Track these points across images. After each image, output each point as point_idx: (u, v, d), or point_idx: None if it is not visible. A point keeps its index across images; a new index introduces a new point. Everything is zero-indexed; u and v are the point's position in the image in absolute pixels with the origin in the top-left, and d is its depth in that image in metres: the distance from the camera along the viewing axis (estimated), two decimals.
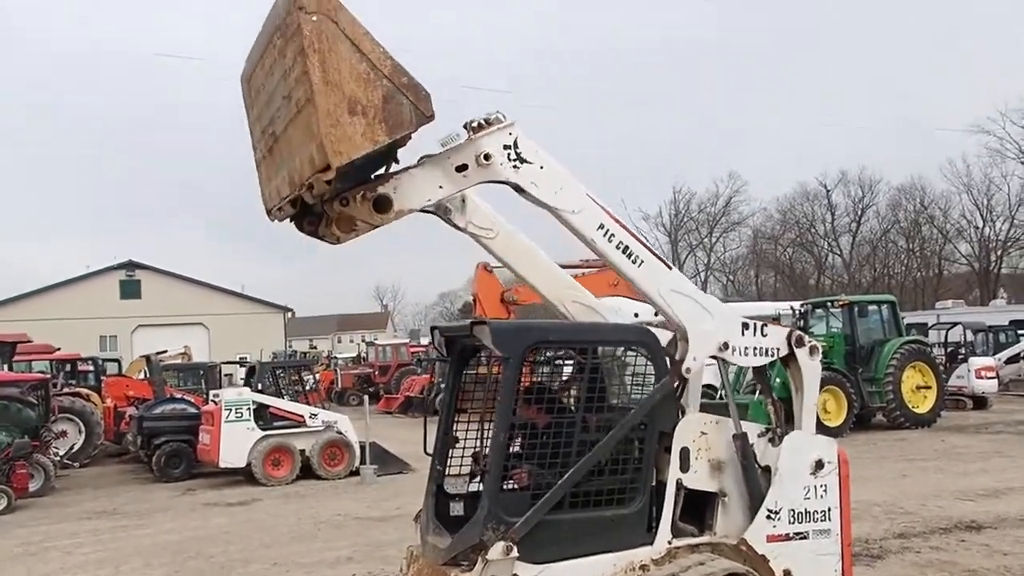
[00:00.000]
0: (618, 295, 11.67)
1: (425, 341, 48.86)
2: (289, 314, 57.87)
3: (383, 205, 4.61)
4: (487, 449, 5.65)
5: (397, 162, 4.68)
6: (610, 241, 5.05)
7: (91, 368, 25.72)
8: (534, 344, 5.27)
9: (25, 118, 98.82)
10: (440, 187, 4.75)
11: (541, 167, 4.87)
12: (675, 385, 5.31)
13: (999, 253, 60.35)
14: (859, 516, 10.27)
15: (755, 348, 5.47)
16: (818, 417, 5.72)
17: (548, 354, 5.99)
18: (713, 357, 5.39)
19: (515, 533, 4.86)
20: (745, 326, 5.46)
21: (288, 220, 4.87)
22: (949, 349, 26.19)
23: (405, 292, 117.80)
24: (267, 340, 49.05)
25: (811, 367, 5.64)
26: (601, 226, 5.04)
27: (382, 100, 4.34)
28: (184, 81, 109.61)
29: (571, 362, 5.90)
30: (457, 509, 5.84)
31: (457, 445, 5.93)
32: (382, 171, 4.73)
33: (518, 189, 4.93)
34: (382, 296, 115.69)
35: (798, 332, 5.67)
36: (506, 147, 4.78)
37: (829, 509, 5.55)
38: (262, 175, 5.14)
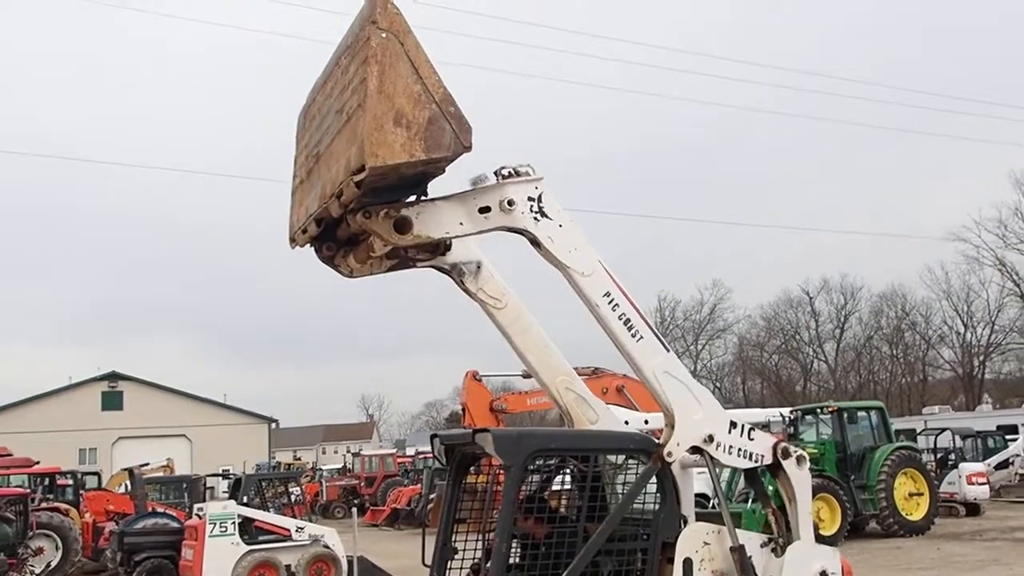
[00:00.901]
0: (608, 403, 11.69)
1: (411, 451, 48.29)
2: (273, 424, 57.21)
3: (403, 226, 4.70)
4: (488, 562, 5.59)
5: (426, 195, 4.82)
6: (614, 310, 5.15)
7: (70, 482, 25.14)
8: (536, 451, 5.28)
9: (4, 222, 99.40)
10: (460, 223, 4.86)
11: (560, 225, 5.01)
12: (656, 471, 5.28)
13: (982, 358, 60.86)
14: None
15: (740, 449, 5.47)
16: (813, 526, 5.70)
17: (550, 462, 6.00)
18: (696, 449, 5.36)
19: None
20: (733, 425, 5.49)
21: (308, 245, 5.05)
22: (939, 455, 26.13)
23: (391, 401, 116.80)
24: (251, 451, 48.35)
25: (800, 477, 5.63)
26: (607, 294, 5.15)
27: (427, 120, 4.52)
28: (171, 194, 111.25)
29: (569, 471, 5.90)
30: None
31: (456, 556, 5.87)
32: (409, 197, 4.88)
33: (535, 242, 5.04)
34: (367, 405, 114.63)
35: (784, 444, 5.66)
36: (530, 199, 4.94)
37: None
38: (295, 200, 5.36)
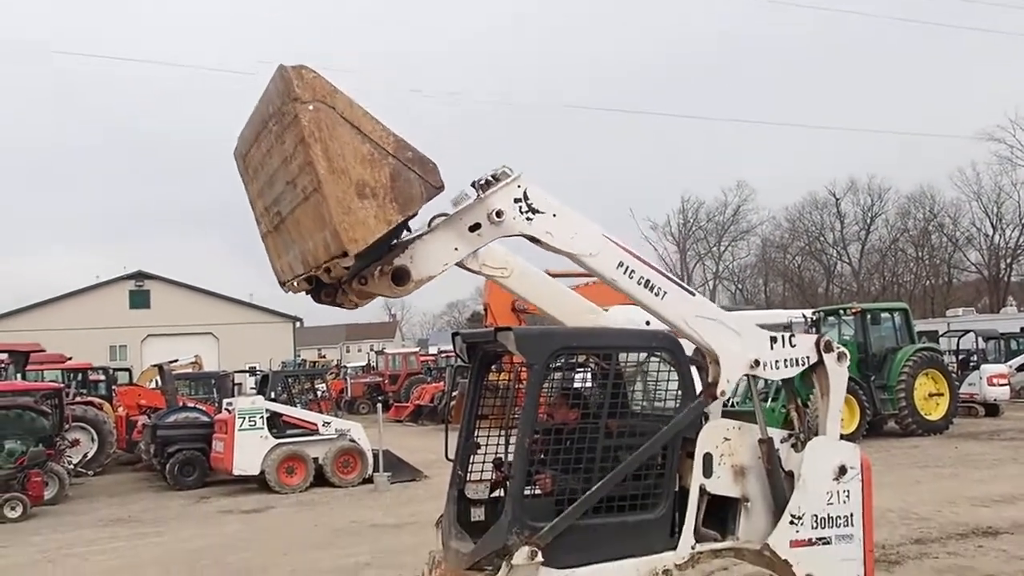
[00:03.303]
0: (628, 303, 11.72)
1: (434, 350, 48.91)
2: (298, 323, 57.96)
3: (402, 277, 4.60)
4: (510, 455, 5.69)
5: (409, 231, 4.67)
6: (631, 277, 5.07)
7: (102, 378, 25.79)
8: (558, 350, 5.29)
9: (33, 125, 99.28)
10: (456, 249, 4.74)
11: (554, 215, 4.87)
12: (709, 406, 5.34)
13: (1009, 261, 60.21)
14: (875, 522, 10.15)
15: (786, 360, 5.51)
16: None
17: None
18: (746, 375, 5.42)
19: (541, 539, 4.88)
20: (773, 339, 5.49)
21: (304, 293, 4.92)
22: (961, 356, 26.11)
23: (413, 302, 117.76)
24: (276, 349, 49.14)
25: (838, 372, 5.66)
26: (620, 264, 5.05)
27: (390, 179, 4.33)
28: (196, 91, 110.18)
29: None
30: (478, 514, 5.88)
31: (478, 451, 5.97)
32: (395, 241, 4.70)
33: (534, 240, 4.95)
34: (390, 306, 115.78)
35: (826, 339, 5.69)
36: (516, 200, 4.78)
37: (852, 514, 5.55)
38: (270, 249, 5.19)
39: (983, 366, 24.54)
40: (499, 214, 4.70)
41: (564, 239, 4.91)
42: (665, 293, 5.14)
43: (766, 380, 5.68)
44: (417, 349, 50.92)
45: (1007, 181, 58.84)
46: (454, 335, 5.91)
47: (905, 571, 8.31)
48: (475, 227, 4.73)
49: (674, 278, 5.29)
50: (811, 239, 69.41)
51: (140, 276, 53.74)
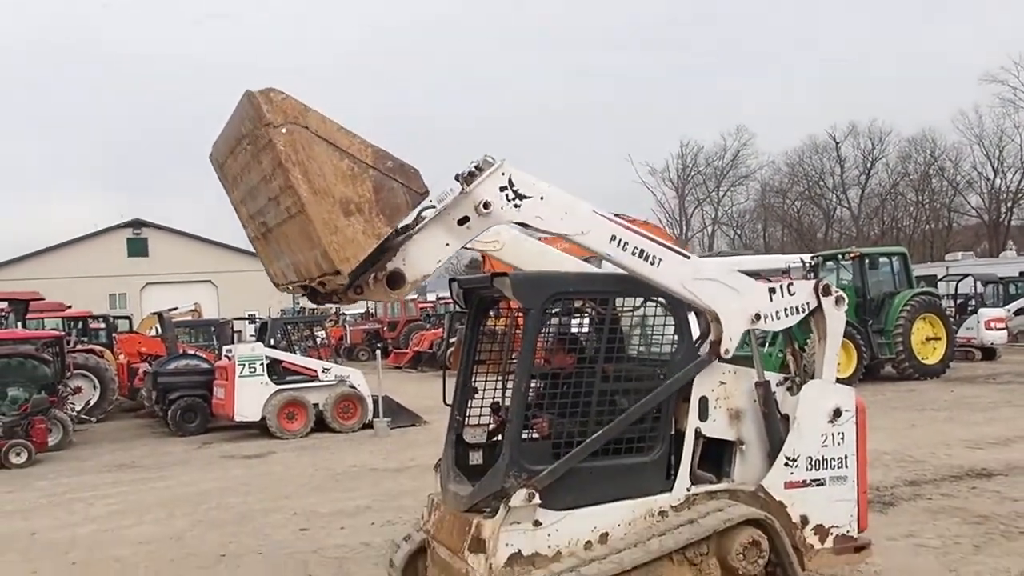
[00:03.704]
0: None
1: (432, 297, 49.01)
2: None
3: (397, 281, 4.56)
4: (507, 400, 5.73)
5: (399, 234, 4.63)
6: (625, 249, 5.03)
7: (103, 325, 25.87)
8: (554, 295, 5.30)
9: (28, 66, 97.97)
10: (447, 244, 4.70)
11: (541, 198, 4.82)
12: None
13: (1009, 205, 60.01)
14: (870, 464, 10.19)
15: (786, 309, 5.54)
16: None
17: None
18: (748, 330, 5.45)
19: (539, 482, 4.94)
20: (772, 291, 5.50)
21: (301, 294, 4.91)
22: (959, 301, 26.18)
23: None
24: (275, 297, 49.13)
25: (836, 316, 5.69)
26: (613, 238, 5.01)
27: (373, 192, 4.29)
28: (194, 34, 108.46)
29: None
30: (476, 458, 5.94)
31: (475, 396, 6.02)
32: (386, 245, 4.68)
33: (523, 225, 4.96)
34: None
35: (825, 283, 5.71)
36: (502, 189, 4.72)
37: (846, 456, 5.62)
38: (259, 253, 5.19)
39: (981, 310, 24.63)
40: (486, 205, 4.65)
41: (554, 221, 4.87)
42: (660, 260, 5.12)
43: None
44: (415, 296, 51.00)
45: (1009, 124, 58.44)
46: (451, 281, 5.91)
47: (899, 512, 8.43)
48: (464, 220, 4.69)
49: (668, 244, 5.27)
50: (811, 184, 69.10)
51: (138, 224, 53.62)
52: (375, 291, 4.54)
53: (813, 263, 21.39)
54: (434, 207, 4.75)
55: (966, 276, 27.64)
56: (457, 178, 4.75)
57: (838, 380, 5.79)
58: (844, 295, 5.76)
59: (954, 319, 23.05)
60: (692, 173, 72.48)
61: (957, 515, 8.19)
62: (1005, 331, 24.32)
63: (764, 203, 71.71)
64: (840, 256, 21.34)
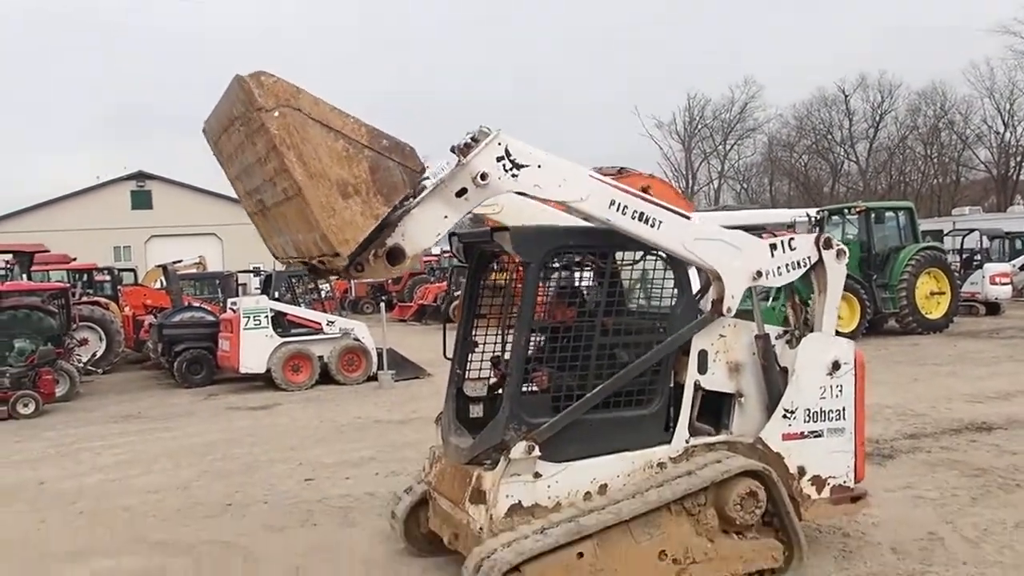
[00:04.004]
0: None
1: (436, 251, 49.00)
2: None
3: (397, 256, 4.58)
4: (507, 354, 5.76)
5: (396, 208, 4.60)
6: (624, 214, 5.02)
7: (108, 278, 25.89)
8: (554, 249, 5.30)
9: (24, 21, 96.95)
10: (445, 217, 4.69)
11: (539, 166, 4.80)
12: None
13: (1019, 159, 59.45)
14: (870, 418, 10.35)
15: (787, 265, 5.56)
16: None
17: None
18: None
19: (538, 435, 4.99)
20: (773, 247, 5.50)
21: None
22: (964, 256, 26.10)
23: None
24: None
25: (836, 270, 5.70)
26: (612, 203, 4.99)
27: (370, 172, 4.27)
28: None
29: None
30: (476, 411, 6.01)
31: (476, 350, 6.05)
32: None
33: (522, 194, 4.95)
34: None
35: (826, 236, 5.72)
36: (499, 159, 4.70)
37: (844, 409, 5.67)
38: (259, 227, 5.17)
39: (986, 265, 24.56)
40: (484, 176, 4.65)
41: (552, 188, 4.87)
42: (661, 222, 5.11)
43: None
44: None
45: (1021, 77, 57.49)
46: (451, 235, 5.90)
47: (897, 464, 8.50)
48: (461, 192, 4.67)
49: (667, 205, 5.25)
50: (818, 137, 68.44)
51: (141, 176, 53.47)
52: (375, 268, 4.55)
53: (819, 217, 21.27)
54: (430, 180, 4.75)
55: (972, 231, 27.50)
56: (453, 150, 4.74)
57: (841, 334, 5.81)
58: (845, 248, 5.76)
59: (959, 274, 23.00)
60: (699, 126, 71.84)
61: (955, 468, 8.26)
62: (1010, 286, 24.29)
63: (771, 157, 71.14)
64: (846, 210, 21.24)
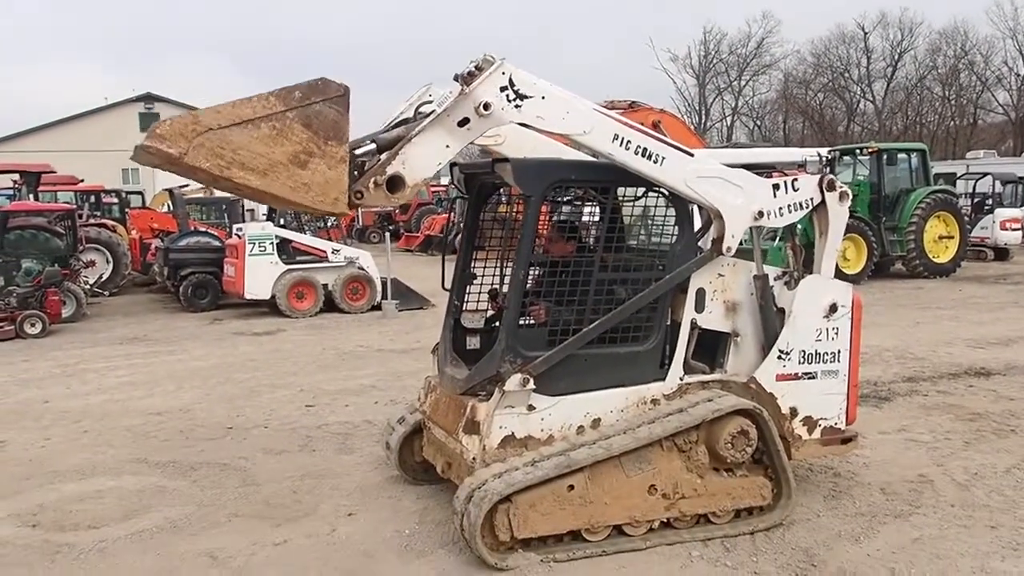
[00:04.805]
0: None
1: (445, 181, 48.74)
2: None
3: (396, 185, 4.52)
4: (505, 287, 5.77)
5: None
6: (627, 149, 4.94)
7: (115, 200, 25.91)
8: (556, 182, 5.26)
9: None
10: (447, 146, 4.63)
11: (543, 97, 4.72)
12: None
13: None
14: (870, 360, 10.49)
15: (790, 206, 5.52)
16: (837, 264, 5.80)
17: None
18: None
19: (533, 368, 5.02)
20: (776, 187, 5.45)
21: None
22: (976, 200, 25.86)
23: None
24: None
25: (838, 212, 5.66)
26: (615, 137, 4.91)
27: (305, 129, 4.20)
28: None
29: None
30: (473, 343, 6.04)
31: (474, 282, 6.05)
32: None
33: (524, 125, 4.87)
34: None
35: (829, 177, 5.65)
36: (503, 89, 4.62)
37: (839, 351, 5.67)
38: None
39: (997, 210, 24.36)
40: (486, 106, 4.58)
41: (555, 120, 4.80)
42: (664, 159, 5.05)
43: None
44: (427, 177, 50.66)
45: None
46: (452, 166, 5.85)
47: (893, 407, 8.55)
48: (464, 122, 4.61)
49: (671, 141, 5.18)
50: (835, 75, 67.31)
51: (149, 98, 53.02)
52: (375, 196, 4.52)
53: (830, 157, 21.04)
54: (435, 108, 4.69)
55: (985, 175, 27.18)
56: (456, 78, 4.67)
57: (847, 276, 5.80)
58: (848, 191, 5.70)
59: (970, 218, 22.82)
60: (714, 61, 70.70)
61: (951, 412, 8.31)
62: (1020, 232, 24.13)
63: (786, 94, 70.08)
64: (858, 151, 20.98)
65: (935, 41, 62.60)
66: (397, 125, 5.10)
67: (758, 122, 73.26)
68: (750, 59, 69.99)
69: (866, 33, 64.76)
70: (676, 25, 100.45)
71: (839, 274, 5.86)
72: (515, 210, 5.91)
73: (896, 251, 19.65)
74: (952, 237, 20.04)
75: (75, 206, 20.62)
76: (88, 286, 17.28)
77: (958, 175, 30.30)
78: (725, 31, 69.84)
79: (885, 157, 20.16)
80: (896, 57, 64.58)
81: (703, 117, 69.79)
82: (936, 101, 64.17)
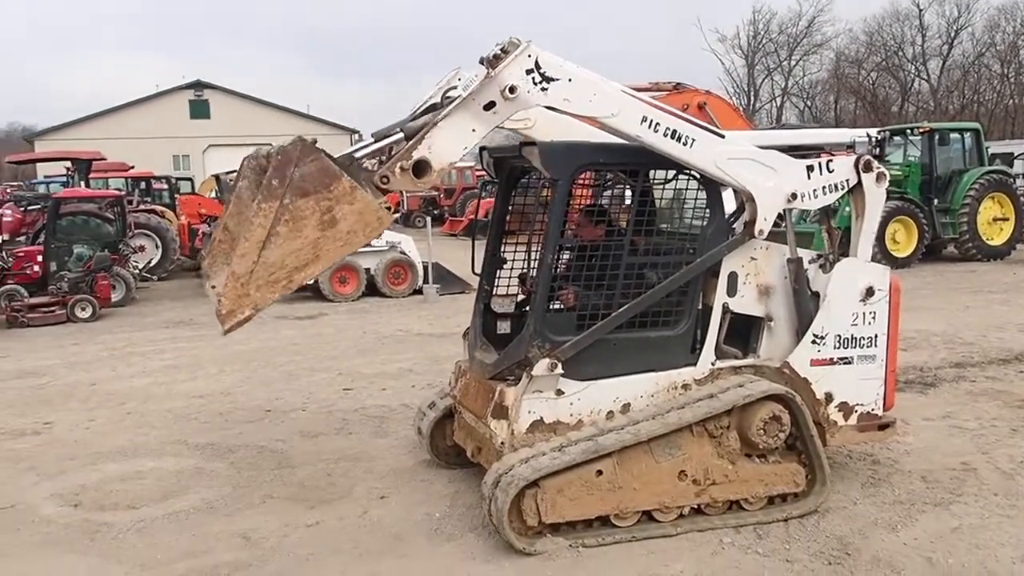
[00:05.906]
0: None
1: None
2: (355, 135, 57.91)
3: (423, 170, 4.51)
4: (534, 271, 5.73)
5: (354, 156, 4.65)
6: (656, 131, 4.87)
7: (165, 186, 26.33)
8: (584, 166, 5.21)
9: None
10: (473, 130, 4.60)
11: (569, 79, 4.65)
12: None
13: None
14: (917, 345, 10.26)
15: (824, 187, 5.40)
16: (887, 247, 5.67)
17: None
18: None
19: (562, 353, 4.99)
20: (810, 168, 5.33)
21: None
22: None
23: None
24: None
25: (875, 194, 5.51)
26: (644, 119, 4.83)
27: (305, 197, 4.28)
28: None
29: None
30: (504, 327, 6.03)
31: (504, 266, 6.03)
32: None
33: (552, 109, 4.82)
34: None
35: (866, 157, 5.50)
36: (529, 71, 4.56)
37: (876, 336, 5.54)
38: None
39: None
40: (512, 89, 4.53)
41: (582, 103, 4.73)
42: (693, 140, 4.96)
43: None
44: (473, 164, 50.72)
45: None
46: (481, 149, 5.82)
47: (939, 393, 8.35)
48: (490, 105, 4.57)
49: (700, 123, 5.09)
50: (889, 54, 65.66)
51: (199, 86, 53.72)
52: (402, 181, 4.53)
53: (880, 138, 20.53)
54: (460, 92, 4.67)
55: None
56: (482, 61, 4.63)
57: (898, 259, 5.67)
58: (885, 171, 5.55)
59: None
60: (764, 41, 69.38)
61: (999, 398, 8.09)
62: None
63: (838, 74, 68.56)
64: (909, 131, 20.45)
65: (994, 17, 60.69)
66: (425, 111, 5.08)
67: (808, 103, 71.85)
68: (801, 38, 68.55)
69: (921, 10, 63.03)
70: (724, 5, 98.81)
71: (890, 258, 5.73)
72: (544, 194, 5.87)
73: (948, 233, 19.13)
74: (1007, 219, 19.44)
75: (125, 192, 21.02)
76: (137, 271, 17.60)
77: (1015, 155, 29.42)
78: (775, 10, 68.91)
79: (937, 137, 19.63)
80: (952, 34, 62.76)
81: (752, 99, 68.66)
82: (995, 79, 62.26)
